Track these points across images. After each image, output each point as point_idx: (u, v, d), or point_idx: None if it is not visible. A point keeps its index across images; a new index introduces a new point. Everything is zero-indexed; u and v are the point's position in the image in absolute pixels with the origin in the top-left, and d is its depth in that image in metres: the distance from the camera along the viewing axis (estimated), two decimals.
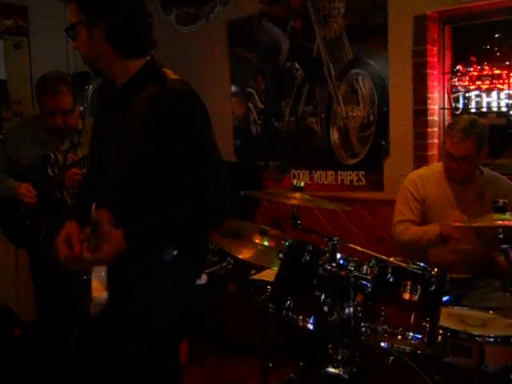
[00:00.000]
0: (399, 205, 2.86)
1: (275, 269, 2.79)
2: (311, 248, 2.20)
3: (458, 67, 3.76)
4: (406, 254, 2.90)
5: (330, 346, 2.24)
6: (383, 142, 3.82)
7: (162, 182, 1.71)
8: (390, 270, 2.05)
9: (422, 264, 2.08)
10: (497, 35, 3.65)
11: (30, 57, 4.19)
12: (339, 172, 4.04)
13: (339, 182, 4.04)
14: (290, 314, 2.18)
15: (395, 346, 2.06)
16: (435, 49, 3.67)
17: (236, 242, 2.80)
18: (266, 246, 2.82)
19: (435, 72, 3.69)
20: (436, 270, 2.04)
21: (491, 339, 2.11)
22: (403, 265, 2.03)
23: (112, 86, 1.87)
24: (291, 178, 4.28)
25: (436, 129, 3.75)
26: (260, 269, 3.48)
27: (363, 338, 2.07)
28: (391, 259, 2.07)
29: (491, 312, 2.39)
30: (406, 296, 2.03)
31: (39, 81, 2.91)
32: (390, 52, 3.71)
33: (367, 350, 2.19)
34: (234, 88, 4.57)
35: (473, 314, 2.39)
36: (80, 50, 1.80)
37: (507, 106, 3.67)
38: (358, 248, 2.14)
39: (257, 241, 2.82)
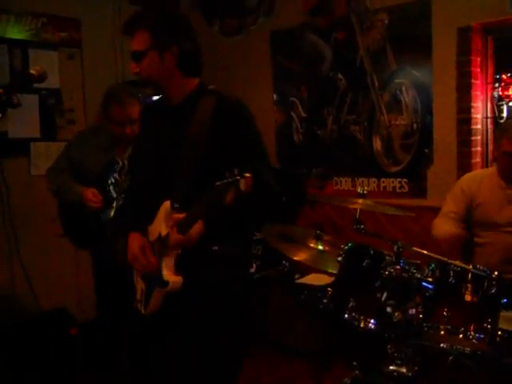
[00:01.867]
0: (449, 198, 3.03)
1: (330, 271, 2.92)
2: (372, 252, 2.30)
3: (501, 77, 3.84)
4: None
5: (389, 346, 2.33)
6: (426, 150, 3.90)
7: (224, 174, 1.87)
8: (451, 272, 2.13)
9: (481, 267, 2.16)
10: None
11: (82, 67, 4.36)
12: (382, 179, 4.13)
13: (381, 189, 4.13)
14: (353, 314, 2.28)
15: (455, 346, 2.15)
16: (478, 59, 3.75)
17: (291, 245, 2.91)
18: (320, 250, 2.92)
19: (478, 82, 3.77)
20: (496, 273, 2.12)
21: None
22: (465, 266, 2.11)
23: (164, 103, 2.06)
24: (333, 185, 4.39)
25: (479, 137, 3.82)
26: (303, 273, 3.60)
27: (424, 337, 2.16)
28: (453, 262, 2.15)
29: None
30: (468, 298, 2.11)
31: (108, 92, 3.03)
32: (434, 62, 3.80)
33: (427, 350, 2.27)
34: (276, 96, 4.69)
35: None
36: (144, 73, 1.96)
37: None
38: (421, 251, 2.23)
39: (311, 245, 2.93)
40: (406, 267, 2.16)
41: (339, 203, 2.73)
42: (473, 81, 3.72)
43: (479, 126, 3.82)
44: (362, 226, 2.35)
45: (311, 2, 4.37)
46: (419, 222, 3.95)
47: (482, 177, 3.02)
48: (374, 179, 4.18)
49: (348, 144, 4.28)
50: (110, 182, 2.96)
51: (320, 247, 2.95)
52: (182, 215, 1.81)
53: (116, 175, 2.94)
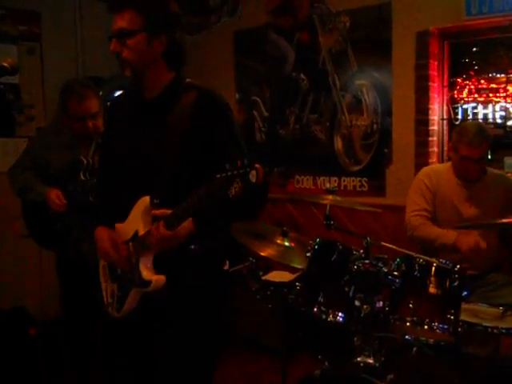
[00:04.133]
0: (413, 195, 3.05)
1: (296, 266, 2.98)
2: (341, 247, 2.37)
3: (456, 80, 4.00)
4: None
5: (355, 338, 2.41)
6: (386, 150, 4.02)
7: (207, 169, 1.86)
8: (416, 266, 2.22)
9: (444, 261, 2.26)
10: (493, 51, 3.90)
11: (42, 62, 4.27)
12: (343, 178, 4.23)
13: (342, 188, 4.23)
14: (322, 308, 2.34)
15: (419, 337, 2.25)
16: (435, 63, 3.90)
17: (259, 241, 2.95)
18: (287, 246, 2.98)
19: (435, 84, 3.92)
20: (458, 266, 2.22)
21: (505, 331, 2.30)
22: (429, 259, 2.21)
23: (136, 96, 2.02)
24: (295, 183, 4.46)
25: (435, 138, 3.97)
26: (266, 270, 3.65)
27: (391, 329, 2.25)
28: (418, 255, 2.24)
29: (501, 308, 2.58)
30: (432, 290, 2.21)
31: (64, 88, 2.96)
32: (394, 65, 3.92)
33: (393, 342, 2.36)
34: (238, 95, 4.73)
35: (485, 310, 2.57)
36: (126, 54, 1.89)
37: (502, 117, 3.92)
38: (388, 245, 2.31)
39: (278, 241, 2.98)
40: (374, 262, 2.24)
41: (310, 199, 2.78)
42: (430, 83, 3.86)
43: (435, 128, 3.97)
44: (332, 222, 2.41)
45: (274, 2, 4.43)
46: (378, 219, 4.07)
47: (439, 172, 3.11)
48: (335, 178, 4.27)
49: (310, 143, 4.36)
50: (74, 181, 2.90)
51: (287, 243, 3.01)
52: (168, 210, 1.77)
53: (81, 175, 2.90)
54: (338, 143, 4.23)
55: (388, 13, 3.89)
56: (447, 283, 2.20)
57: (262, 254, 2.90)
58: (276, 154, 4.54)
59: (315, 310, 2.34)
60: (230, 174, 1.53)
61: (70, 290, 3.08)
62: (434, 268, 2.22)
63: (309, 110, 4.35)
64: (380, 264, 2.24)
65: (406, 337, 2.28)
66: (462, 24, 3.68)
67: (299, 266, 2.87)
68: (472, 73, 3.95)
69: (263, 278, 3.54)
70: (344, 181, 4.23)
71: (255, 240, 2.95)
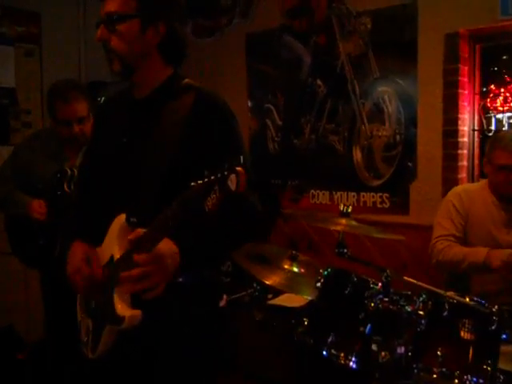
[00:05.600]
0: (441, 219, 2.69)
1: (305, 297, 2.64)
2: (356, 279, 2.02)
3: (490, 87, 3.63)
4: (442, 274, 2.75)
5: None
6: (410, 164, 3.66)
7: None
8: (446, 305, 1.86)
9: (479, 299, 1.90)
10: None
11: (41, 65, 4.02)
12: (362, 193, 3.87)
13: (361, 204, 3.87)
14: (332, 350, 1.99)
15: None
16: (466, 68, 3.53)
17: (263, 266, 2.62)
18: (295, 272, 2.64)
19: (466, 92, 3.55)
20: (496, 307, 1.86)
21: None
22: (461, 300, 1.85)
23: (128, 94, 1.72)
24: (310, 198, 4.11)
25: (466, 151, 3.60)
26: (276, 293, 3.30)
27: (414, 379, 1.89)
28: (447, 293, 1.88)
29: None
30: (464, 335, 1.84)
31: (50, 90, 2.73)
32: (420, 70, 3.57)
33: None
34: (251, 103, 4.41)
35: None
36: (116, 42, 1.60)
37: None
38: (411, 281, 1.95)
39: (286, 266, 2.64)
40: (395, 298, 1.88)
41: (319, 223, 2.44)
42: (460, 91, 3.50)
43: (466, 139, 3.60)
44: (346, 250, 2.06)
45: (289, 4, 4.11)
46: (402, 240, 3.70)
47: (472, 192, 2.75)
48: (353, 193, 3.91)
49: (326, 155, 4.02)
50: (58, 194, 2.62)
51: (295, 269, 2.67)
52: (140, 230, 1.45)
53: (65, 186, 2.61)
54: (357, 155, 3.87)
55: (413, 13, 3.54)
56: (483, 327, 1.83)
57: (267, 282, 2.57)
58: (290, 166, 4.20)
59: (324, 352, 1.98)
60: (205, 180, 1.22)
61: (54, 311, 2.80)
62: (465, 308, 1.86)
63: (326, 119, 4.00)
64: (402, 301, 1.88)
65: None
66: (497, 25, 3.32)
67: (309, 297, 2.54)
68: (507, 79, 3.57)
69: (272, 302, 3.21)
70: (363, 196, 3.87)
71: (259, 265, 2.62)
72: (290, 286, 2.58)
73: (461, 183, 3.56)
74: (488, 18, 3.31)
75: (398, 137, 3.69)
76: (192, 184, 1.24)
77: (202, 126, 1.57)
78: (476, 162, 3.65)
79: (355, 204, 3.89)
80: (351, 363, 1.98)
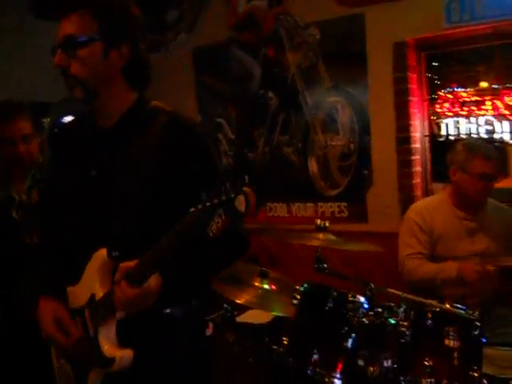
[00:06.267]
0: (405, 237, 2.68)
1: (276, 314, 2.58)
2: (335, 293, 1.98)
3: (437, 93, 3.72)
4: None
5: None
6: (365, 172, 3.69)
7: (179, 213, 1.47)
8: (429, 314, 1.86)
9: (460, 305, 1.91)
10: (475, 61, 3.64)
11: None
12: (319, 204, 3.87)
13: (319, 214, 3.86)
14: (316, 369, 1.94)
15: None
16: (414, 76, 3.61)
17: (233, 285, 2.55)
18: (266, 290, 2.58)
19: (415, 99, 3.62)
20: (477, 312, 1.87)
21: None
22: (444, 307, 1.84)
23: (90, 121, 1.61)
24: (267, 211, 4.08)
25: (419, 156, 3.67)
26: (240, 311, 3.23)
27: None
28: (429, 301, 1.88)
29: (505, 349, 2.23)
30: (449, 342, 1.84)
31: None
32: (370, 79, 3.61)
33: None
34: (201, 118, 4.33)
35: (499, 354, 2.22)
36: (77, 68, 1.49)
37: (487, 132, 3.64)
38: (397, 293, 1.93)
39: (256, 284, 2.58)
40: (378, 310, 1.86)
41: (296, 240, 2.39)
42: (410, 98, 3.57)
43: (418, 145, 3.66)
44: (325, 266, 2.02)
45: (236, 17, 4.08)
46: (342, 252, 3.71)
47: (432, 207, 2.74)
48: (310, 204, 3.91)
49: (281, 167, 4.00)
50: (5, 220, 2.46)
51: (266, 286, 2.61)
52: (131, 262, 1.35)
53: (13, 212, 2.45)
54: (313, 166, 3.87)
55: (361, 23, 3.59)
56: (466, 333, 1.84)
57: (239, 301, 2.50)
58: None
59: (309, 372, 1.92)
60: (208, 204, 1.15)
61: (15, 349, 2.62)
62: (449, 315, 1.86)
63: (279, 131, 3.99)
64: (386, 314, 1.86)
65: None
66: (442, 33, 3.41)
67: (282, 314, 2.48)
68: (453, 85, 3.67)
69: (238, 319, 3.13)
70: (321, 207, 3.87)
71: (229, 284, 2.54)
72: (262, 303, 2.51)
73: (415, 188, 3.63)
74: (433, 27, 3.40)
75: (352, 146, 3.72)
76: (192, 210, 1.16)
77: (178, 152, 1.49)
78: (428, 167, 3.72)
79: (313, 215, 3.88)
80: (336, 380, 1.93)
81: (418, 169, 3.65)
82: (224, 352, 2.60)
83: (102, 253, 1.45)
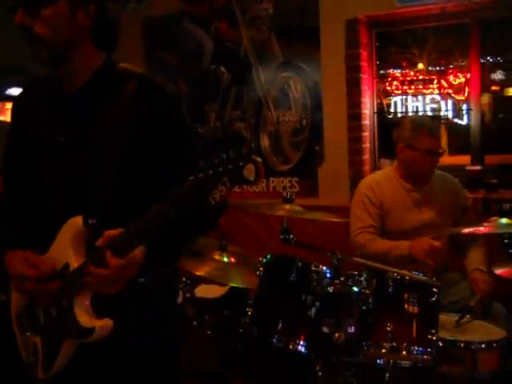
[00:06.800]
0: (357, 210, 2.75)
1: (233, 285, 2.61)
2: (300, 264, 2.02)
3: (387, 71, 3.81)
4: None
5: (318, 367, 2.08)
6: (317, 147, 3.74)
7: (153, 178, 1.46)
8: (390, 281, 1.93)
9: (418, 272, 1.99)
10: (424, 41, 3.75)
11: None
12: (271, 179, 3.90)
13: (271, 189, 3.90)
14: (282, 337, 1.98)
15: (391, 361, 1.96)
16: (365, 53, 3.68)
17: (193, 258, 2.55)
18: (226, 263, 2.60)
19: (366, 76, 3.70)
20: (435, 278, 1.96)
21: (482, 345, 2.08)
22: (405, 273, 1.92)
23: (55, 84, 1.55)
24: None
25: (368, 133, 3.76)
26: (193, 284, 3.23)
27: (362, 356, 1.94)
28: (390, 268, 1.95)
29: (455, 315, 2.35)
30: (409, 308, 1.93)
31: None
32: (322, 55, 3.65)
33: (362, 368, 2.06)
34: None
35: (446, 318, 2.32)
36: (41, 28, 1.41)
37: (433, 110, 3.78)
38: (362, 261, 1.99)
39: (216, 257, 2.60)
40: (342, 279, 1.91)
41: (263, 211, 2.41)
42: (361, 75, 3.63)
43: (368, 122, 3.75)
44: (292, 236, 2.05)
45: None
46: (312, 222, 3.78)
47: (382, 181, 2.80)
48: (262, 179, 3.92)
49: (233, 142, 3.99)
50: None
51: (225, 259, 2.63)
52: (116, 231, 1.30)
53: None
54: (265, 141, 3.89)
55: None
56: (425, 299, 1.93)
57: (198, 273, 2.52)
58: None
59: (275, 340, 1.96)
60: (211, 172, 1.12)
61: None
62: (408, 282, 1.94)
63: (231, 106, 3.97)
64: (350, 282, 1.92)
65: (378, 361, 1.98)
66: (394, 12, 3.48)
67: (241, 286, 2.52)
68: (403, 63, 3.77)
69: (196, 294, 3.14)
70: (273, 181, 3.90)
71: (189, 257, 2.54)
72: (222, 275, 2.54)
73: (365, 164, 3.72)
74: (386, 5, 3.46)
75: (304, 121, 3.76)
76: (191, 178, 1.14)
77: (151, 115, 1.45)
78: (376, 143, 3.82)
79: (265, 190, 3.92)
80: (300, 347, 1.98)
81: (367, 145, 3.75)
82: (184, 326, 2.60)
83: (77, 220, 1.40)
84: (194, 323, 2.61)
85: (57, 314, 1.44)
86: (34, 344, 1.52)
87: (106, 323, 1.35)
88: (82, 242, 1.40)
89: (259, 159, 1.14)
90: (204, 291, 3.10)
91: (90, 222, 1.37)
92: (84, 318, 1.37)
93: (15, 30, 1.56)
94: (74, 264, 1.40)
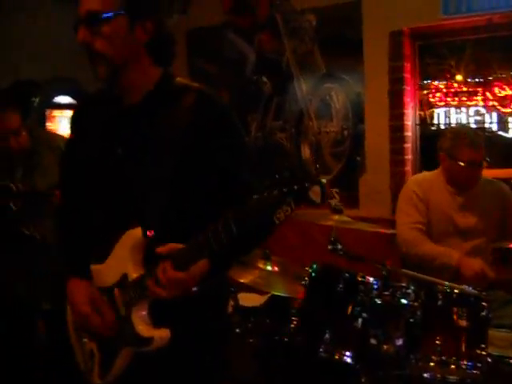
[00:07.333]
0: (404, 207, 2.74)
1: (276, 293, 2.62)
2: (347, 274, 2.02)
3: (430, 83, 3.79)
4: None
5: (363, 379, 2.08)
6: (358, 158, 3.74)
7: (208, 192, 1.47)
8: (439, 295, 1.92)
9: (468, 286, 1.97)
10: (469, 52, 3.71)
11: None
12: None
13: None
14: (328, 347, 1.98)
15: (438, 375, 1.94)
16: (409, 65, 3.67)
17: (237, 266, 2.58)
18: (269, 271, 2.62)
19: (409, 88, 3.69)
20: (484, 293, 1.94)
21: None
22: (456, 286, 1.90)
23: (114, 98, 1.58)
24: None
25: (410, 144, 3.74)
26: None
27: (409, 369, 1.93)
28: (440, 281, 1.94)
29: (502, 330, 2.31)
30: (458, 322, 1.91)
31: None
32: (365, 67, 3.66)
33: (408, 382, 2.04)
34: None
35: (497, 335, 2.29)
36: (101, 44, 1.46)
37: (477, 122, 3.73)
38: (410, 273, 1.99)
39: (260, 265, 2.62)
40: (391, 291, 1.91)
41: (312, 220, 2.43)
42: (405, 87, 3.63)
43: (410, 133, 3.73)
44: (340, 247, 2.06)
45: (231, 0, 4.06)
46: (351, 233, 3.77)
47: (430, 181, 2.82)
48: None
49: (274, 152, 4.02)
50: (3, 212, 2.40)
51: (269, 268, 2.65)
52: (175, 245, 1.33)
53: (11, 204, 2.40)
54: (305, 151, 3.91)
55: (358, 11, 3.62)
56: (475, 313, 1.90)
57: (243, 280, 2.54)
58: None
59: (321, 350, 1.97)
60: (279, 191, 1.13)
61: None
62: (459, 296, 1.92)
63: (272, 117, 4.01)
64: (398, 294, 1.91)
65: (424, 375, 1.96)
66: (438, 24, 3.47)
67: (284, 294, 2.53)
68: (446, 75, 3.74)
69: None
70: None
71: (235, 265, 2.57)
72: (265, 284, 2.56)
73: (407, 176, 3.70)
74: (430, 17, 3.45)
75: (345, 132, 3.77)
76: (256, 197, 1.15)
77: (208, 129, 1.47)
78: (418, 155, 3.80)
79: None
80: (346, 358, 1.98)
81: (409, 157, 3.73)
82: None
83: (137, 232, 1.43)
84: (237, 330, 2.62)
85: (116, 323, 1.48)
86: (90, 350, 1.56)
87: (164, 333, 1.38)
88: (140, 253, 1.43)
89: (324, 181, 1.15)
90: (244, 299, 3.12)
91: (148, 234, 1.40)
92: (142, 327, 1.40)
93: (65, 42, 1.61)
94: (133, 275, 1.43)
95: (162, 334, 1.38)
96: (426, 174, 2.99)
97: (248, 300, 3.09)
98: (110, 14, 1.43)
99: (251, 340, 2.64)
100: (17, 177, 2.47)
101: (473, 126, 3.74)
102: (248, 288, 2.72)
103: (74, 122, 1.75)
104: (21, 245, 2.45)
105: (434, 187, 2.79)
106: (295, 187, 1.13)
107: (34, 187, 2.46)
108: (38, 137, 2.56)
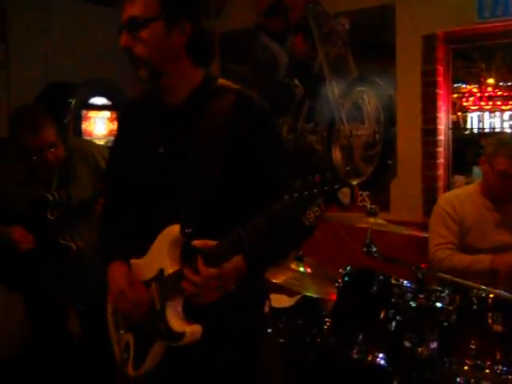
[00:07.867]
0: (436, 226, 2.73)
1: (308, 294, 2.65)
2: (382, 277, 2.04)
3: (463, 87, 3.77)
4: None
5: (395, 382, 2.09)
6: (390, 162, 3.74)
7: (245, 191, 1.51)
8: (474, 299, 1.92)
9: (503, 291, 1.97)
10: (503, 56, 3.69)
11: (8, 66, 3.81)
12: None
13: None
14: (362, 349, 2.00)
15: (472, 380, 1.94)
16: (442, 68, 3.65)
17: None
18: (301, 272, 2.65)
19: (442, 92, 3.67)
20: None
21: None
22: (491, 290, 1.91)
23: (157, 99, 1.63)
24: None
25: (442, 149, 3.72)
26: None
27: (442, 373, 1.93)
28: (476, 285, 1.94)
29: None
30: (494, 327, 1.91)
31: (15, 117, 2.54)
32: (398, 70, 3.66)
33: None
34: None
35: None
36: (141, 48, 1.51)
37: (511, 126, 3.70)
38: (447, 277, 2.00)
39: (293, 266, 2.65)
40: (425, 294, 1.92)
41: (347, 222, 2.45)
42: (438, 91, 3.61)
43: (442, 137, 3.71)
44: (375, 249, 2.08)
45: (265, 3, 4.10)
46: (383, 237, 3.77)
47: (463, 198, 2.78)
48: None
49: (305, 155, 4.04)
50: (41, 222, 2.45)
51: (301, 269, 2.68)
52: (210, 242, 1.38)
53: (48, 214, 2.46)
54: (337, 154, 3.92)
55: (391, 14, 3.62)
56: (510, 317, 1.90)
57: (276, 280, 2.57)
58: None
59: (355, 351, 1.99)
60: (309, 192, 1.16)
61: (42, 328, 2.70)
62: (493, 300, 1.92)
63: (304, 119, 4.03)
64: (433, 297, 1.92)
65: (457, 379, 1.97)
66: (472, 27, 3.45)
67: (315, 295, 2.56)
68: (478, 79, 3.72)
69: None
70: None
71: None
72: (298, 284, 2.59)
73: (438, 180, 3.68)
74: (465, 21, 3.43)
75: (377, 135, 3.77)
76: (286, 197, 1.18)
77: (247, 130, 1.50)
78: (451, 159, 3.78)
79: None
80: (380, 360, 2.00)
81: (441, 161, 3.71)
82: None
83: (175, 229, 1.47)
84: (269, 331, 2.65)
85: (150, 316, 1.52)
86: (126, 342, 1.61)
87: (196, 329, 1.42)
88: (177, 249, 1.48)
89: (354, 183, 1.17)
90: (273, 300, 3.15)
91: (186, 231, 1.43)
92: (175, 322, 1.44)
93: (103, 44, 1.65)
94: (169, 270, 1.47)
95: (193, 330, 1.43)
96: (456, 191, 2.96)
97: (277, 301, 3.12)
98: (146, 20, 1.49)
99: (282, 340, 2.67)
100: (53, 187, 2.51)
101: (508, 130, 3.72)
102: (278, 288, 2.75)
103: (120, 123, 1.81)
104: (57, 255, 2.51)
105: (467, 204, 2.75)
106: (325, 188, 1.16)
107: (70, 196, 2.50)
108: (71, 146, 2.60)
